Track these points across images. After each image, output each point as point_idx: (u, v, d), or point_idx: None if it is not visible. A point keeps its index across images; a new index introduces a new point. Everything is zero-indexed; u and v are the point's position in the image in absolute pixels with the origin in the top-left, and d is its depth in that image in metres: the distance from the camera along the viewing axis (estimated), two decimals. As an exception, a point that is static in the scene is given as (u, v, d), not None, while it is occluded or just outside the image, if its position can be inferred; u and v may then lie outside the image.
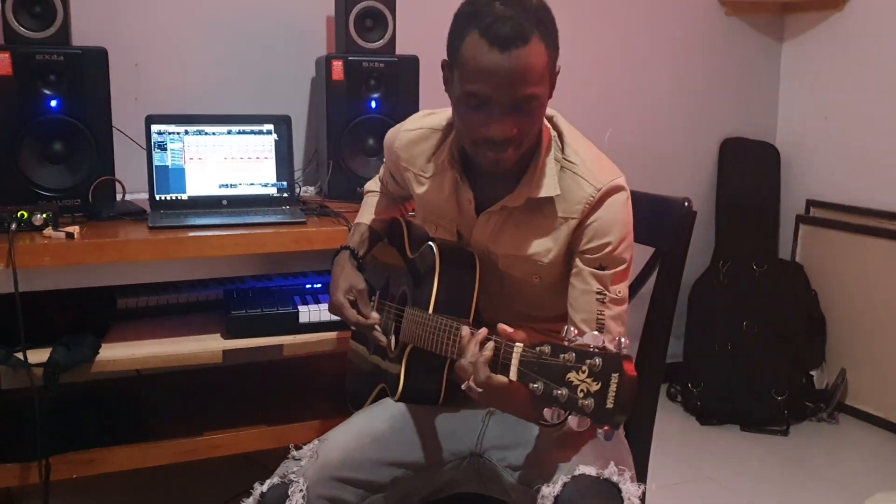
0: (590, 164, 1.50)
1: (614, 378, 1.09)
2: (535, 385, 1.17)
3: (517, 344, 1.24)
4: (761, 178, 3.49)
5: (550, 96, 1.45)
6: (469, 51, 1.37)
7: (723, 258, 3.37)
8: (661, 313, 1.71)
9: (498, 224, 1.54)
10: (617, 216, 1.48)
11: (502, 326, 1.30)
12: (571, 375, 1.13)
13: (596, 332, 1.16)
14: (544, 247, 1.51)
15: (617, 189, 1.48)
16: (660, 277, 1.71)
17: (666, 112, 3.39)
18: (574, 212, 1.48)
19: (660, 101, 3.37)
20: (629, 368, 1.09)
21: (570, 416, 1.14)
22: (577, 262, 1.49)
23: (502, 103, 1.36)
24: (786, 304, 3.29)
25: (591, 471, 1.37)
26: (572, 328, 1.20)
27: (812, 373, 3.33)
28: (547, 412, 1.15)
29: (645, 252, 1.69)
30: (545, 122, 1.52)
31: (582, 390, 1.12)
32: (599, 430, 1.12)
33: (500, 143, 1.40)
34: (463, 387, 1.32)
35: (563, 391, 1.13)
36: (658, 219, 1.65)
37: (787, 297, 3.30)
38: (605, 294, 1.47)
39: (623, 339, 1.12)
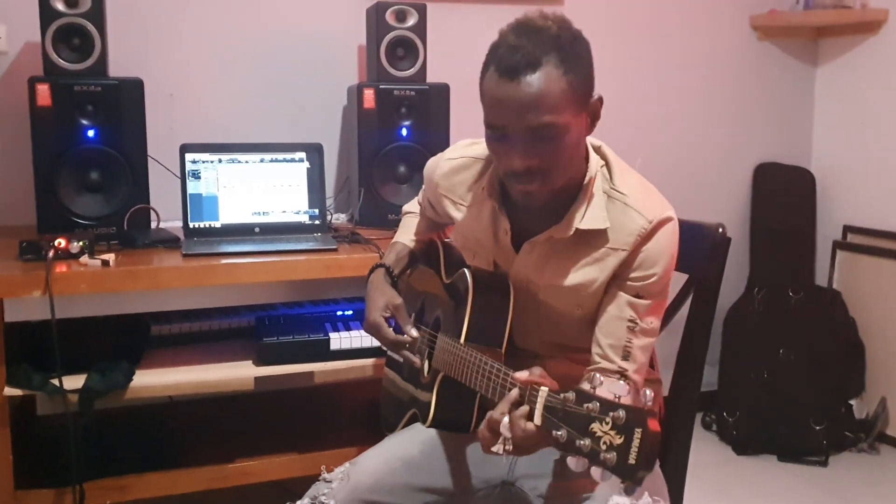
0: (641, 196, 1.47)
1: (637, 433, 1.06)
2: (559, 433, 1.15)
3: (542, 388, 1.22)
4: (796, 203, 3.45)
5: (590, 126, 1.43)
6: (486, 84, 1.39)
7: (758, 285, 3.32)
8: (695, 340, 1.69)
9: (542, 255, 1.51)
10: (666, 249, 1.46)
11: (519, 375, 1.27)
12: (595, 426, 1.11)
13: (621, 382, 1.13)
14: (589, 276, 1.48)
15: (668, 220, 1.46)
16: (694, 304, 1.68)
17: (699, 138, 3.37)
18: (625, 243, 1.45)
19: (693, 127, 3.35)
20: (653, 425, 1.06)
21: (594, 469, 1.11)
22: (615, 288, 1.47)
23: (518, 133, 1.36)
24: (823, 332, 3.23)
25: (624, 501, 1.35)
26: (598, 375, 1.17)
27: (851, 402, 3.26)
28: (571, 461, 1.13)
29: (679, 279, 1.67)
30: (592, 151, 1.50)
31: (605, 442, 1.09)
32: (620, 485, 1.09)
33: (523, 174, 1.38)
34: (494, 448, 1.27)
35: (587, 442, 1.11)
36: (692, 245, 1.63)
37: (824, 324, 3.25)
38: (637, 323, 1.45)
39: (648, 392, 1.09)
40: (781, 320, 3.24)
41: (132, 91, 2.21)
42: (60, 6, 2.14)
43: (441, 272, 1.73)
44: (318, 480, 1.55)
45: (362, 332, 2.15)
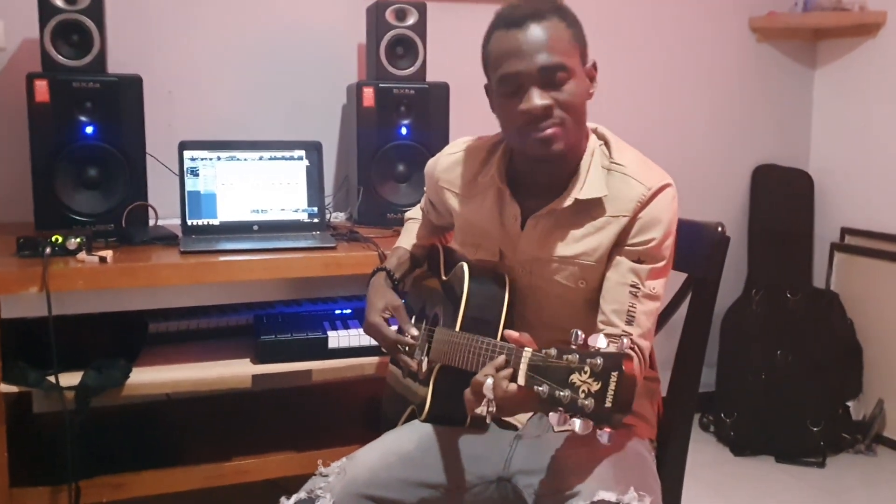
0: (639, 166, 1.53)
1: (613, 377, 1.10)
2: (541, 388, 1.18)
3: (526, 349, 1.25)
4: (794, 205, 3.45)
5: (590, 89, 1.49)
6: (493, 44, 1.47)
7: (755, 286, 3.32)
8: (694, 340, 1.69)
9: (546, 228, 1.54)
10: (664, 212, 1.50)
11: (508, 332, 1.31)
12: (574, 377, 1.14)
13: (602, 335, 1.16)
14: (592, 245, 1.51)
15: (666, 186, 1.51)
16: (693, 304, 1.68)
17: (698, 139, 3.37)
18: (625, 210, 1.49)
19: (692, 128, 3.35)
20: (628, 367, 1.09)
21: (575, 420, 1.13)
22: (616, 255, 1.50)
23: (531, 74, 1.41)
24: (821, 333, 3.23)
25: (610, 496, 1.36)
26: (579, 332, 1.19)
27: (849, 403, 3.26)
28: (553, 417, 1.15)
29: (678, 278, 1.67)
30: (590, 131, 1.55)
31: (583, 391, 1.12)
32: (600, 432, 1.12)
33: (541, 116, 1.42)
34: (478, 410, 1.30)
35: (566, 392, 1.14)
36: (691, 244, 1.63)
37: (822, 325, 3.25)
38: (640, 288, 1.48)
39: (625, 340, 1.11)
40: (779, 322, 3.24)
41: (131, 88, 2.20)
42: (59, 2, 2.14)
43: (441, 272, 1.74)
44: (315, 474, 1.56)
45: (360, 330, 2.15)
